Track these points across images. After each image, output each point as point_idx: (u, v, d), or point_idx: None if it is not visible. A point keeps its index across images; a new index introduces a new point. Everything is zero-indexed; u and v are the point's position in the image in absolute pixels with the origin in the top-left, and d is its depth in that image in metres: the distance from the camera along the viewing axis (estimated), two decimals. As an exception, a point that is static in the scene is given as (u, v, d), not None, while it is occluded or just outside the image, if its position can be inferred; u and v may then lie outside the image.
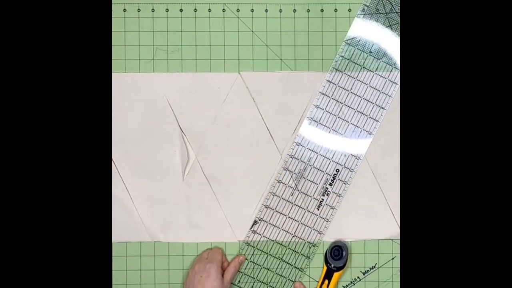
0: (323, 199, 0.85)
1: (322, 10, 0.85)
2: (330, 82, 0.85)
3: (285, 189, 0.85)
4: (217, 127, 0.85)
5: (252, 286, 0.85)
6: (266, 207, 0.85)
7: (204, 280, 0.78)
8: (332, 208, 0.85)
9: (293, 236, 0.85)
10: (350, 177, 0.85)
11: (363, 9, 0.85)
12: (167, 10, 0.85)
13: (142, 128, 0.85)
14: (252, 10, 0.85)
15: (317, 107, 0.85)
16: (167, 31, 0.85)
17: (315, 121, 0.85)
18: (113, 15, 0.84)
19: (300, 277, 0.85)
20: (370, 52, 0.85)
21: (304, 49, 0.85)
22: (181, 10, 0.85)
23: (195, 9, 0.85)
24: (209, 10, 0.85)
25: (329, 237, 0.85)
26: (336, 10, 0.85)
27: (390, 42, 0.85)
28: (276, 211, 0.85)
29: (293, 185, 0.85)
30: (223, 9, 0.85)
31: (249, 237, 0.85)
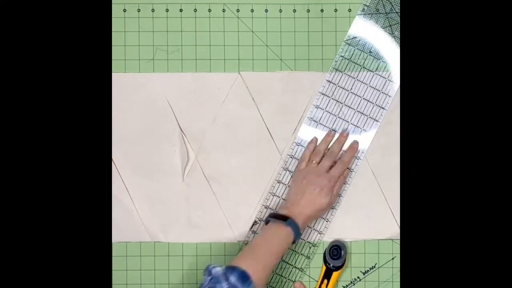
0: (323, 199, 0.84)
1: (322, 10, 0.85)
2: (330, 82, 0.85)
3: (285, 189, 0.85)
4: (217, 127, 0.85)
5: (252, 286, 0.85)
6: (266, 208, 0.85)
7: None
8: (332, 208, 0.85)
9: (294, 244, 0.84)
10: (350, 177, 0.85)
11: (363, 9, 0.85)
12: (167, 10, 0.85)
13: (142, 128, 0.85)
14: (252, 10, 0.85)
15: (317, 107, 0.85)
16: (167, 31, 0.85)
17: (315, 121, 0.85)
18: (113, 15, 0.84)
19: (300, 277, 0.85)
20: (370, 52, 0.85)
21: (304, 49, 0.85)
22: (181, 10, 0.85)
23: (195, 9, 0.85)
24: (209, 10, 0.85)
25: (329, 237, 0.85)
26: (336, 10, 0.85)
27: (390, 42, 0.85)
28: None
29: (293, 185, 0.85)
30: (223, 9, 0.85)
31: (249, 237, 0.85)
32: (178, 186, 0.85)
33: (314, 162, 0.82)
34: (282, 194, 0.85)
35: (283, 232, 0.77)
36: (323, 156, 0.83)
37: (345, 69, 0.85)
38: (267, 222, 0.79)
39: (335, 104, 0.85)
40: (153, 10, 0.85)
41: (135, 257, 0.85)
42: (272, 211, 0.84)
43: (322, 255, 0.84)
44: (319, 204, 0.79)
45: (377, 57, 0.85)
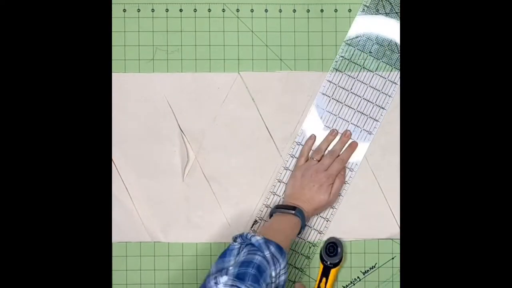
0: (323, 199, 0.84)
1: (322, 10, 0.85)
2: (330, 82, 0.85)
3: (285, 189, 0.85)
4: (217, 127, 0.85)
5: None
6: (266, 207, 0.85)
7: None
8: (332, 208, 0.85)
9: (299, 237, 0.85)
10: (350, 176, 0.85)
11: (363, 9, 0.85)
12: (167, 10, 0.85)
13: (142, 128, 0.85)
14: (252, 10, 0.85)
15: (317, 107, 0.85)
16: (167, 31, 0.85)
17: (315, 121, 0.85)
18: (113, 15, 0.84)
19: (300, 277, 0.85)
20: (370, 52, 0.85)
21: (304, 49, 0.85)
22: (181, 10, 0.85)
23: (195, 9, 0.85)
24: (209, 10, 0.85)
25: (329, 237, 0.85)
26: (336, 10, 0.85)
27: (390, 42, 0.85)
28: (276, 211, 0.85)
29: (293, 185, 0.84)
30: (223, 9, 0.85)
31: (249, 237, 0.85)
32: (178, 186, 0.85)
33: (314, 159, 0.82)
34: (283, 193, 0.85)
35: (293, 221, 0.78)
36: (323, 155, 0.83)
37: (345, 69, 0.85)
38: (271, 214, 0.80)
39: (335, 104, 0.85)
40: (153, 10, 0.85)
41: (135, 257, 0.85)
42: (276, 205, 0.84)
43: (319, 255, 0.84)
44: (318, 201, 0.80)
45: (377, 57, 0.85)
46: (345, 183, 0.84)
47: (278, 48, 0.85)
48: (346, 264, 0.85)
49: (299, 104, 0.85)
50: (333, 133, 0.84)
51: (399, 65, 0.84)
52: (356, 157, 0.85)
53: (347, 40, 0.85)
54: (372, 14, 0.85)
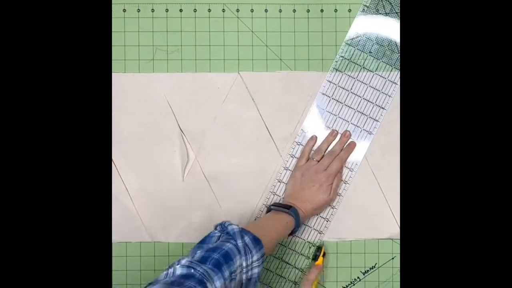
0: (323, 199, 0.84)
1: (322, 10, 0.85)
2: (330, 82, 0.85)
3: (285, 188, 0.85)
4: (217, 127, 0.85)
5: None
6: (266, 207, 0.85)
7: None
8: (332, 208, 0.85)
9: (293, 236, 0.85)
10: (350, 176, 0.85)
11: (363, 9, 0.85)
12: (166, 10, 0.85)
13: (142, 128, 0.85)
14: (251, 10, 0.85)
15: (317, 107, 0.85)
16: (167, 31, 0.85)
17: (315, 121, 0.85)
18: (113, 15, 0.84)
19: (300, 277, 0.85)
20: (370, 52, 0.85)
21: (304, 49, 0.85)
22: (180, 10, 0.85)
23: (195, 9, 0.85)
24: (209, 10, 0.85)
25: (329, 237, 0.85)
26: (336, 10, 0.85)
27: (390, 42, 0.85)
28: (276, 211, 0.85)
29: (293, 185, 0.85)
30: (223, 9, 0.85)
31: (249, 237, 0.85)
32: (178, 186, 0.85)
33: (314, 160, 0.82)
34: (283, 193, 0.85)
35: (285, 219, 0.78)
36: (323, 156, 0.83)
37: (345, 69, 0.85)
38: (268, 210, 0.80)
39: (335, 104, 0.85)
40: (153, 10, 0.85)
41: (135, 257, 0.85)
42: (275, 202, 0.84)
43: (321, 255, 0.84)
44: (317, 200, 0.80)
45: (377, 57, 0.85)
46: (345, 183, 0.84)
47: (278, 48, 0.85)
48: (346, 264, 0.85)
49: (299, 104, 0.85)
50: (333, 133, 0.84)
51: (399, 65, 0.84)
52: (356, 157, 0.85)
53: (347, 40, 0.85)
54: (372, 14, 0.85)
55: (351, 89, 0.85)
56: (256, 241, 0.70)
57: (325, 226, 0.85)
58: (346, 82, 0.85)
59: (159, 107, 0.85)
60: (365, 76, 0.85)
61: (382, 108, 0.85)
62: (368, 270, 0.85)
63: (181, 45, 0.85)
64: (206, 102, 0.85)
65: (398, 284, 0.85)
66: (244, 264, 0.68)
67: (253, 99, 0.85)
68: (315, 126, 0.85)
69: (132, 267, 0.85)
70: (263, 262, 0.71)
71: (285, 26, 0.85)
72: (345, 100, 0.85)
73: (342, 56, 0.85)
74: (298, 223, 0.79)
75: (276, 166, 0.85)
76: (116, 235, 0.84)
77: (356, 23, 0.85)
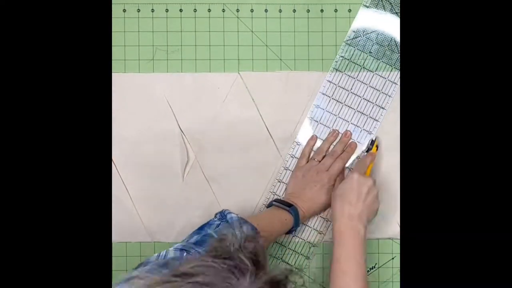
0: (323, 199, 0.84)
1: (322, 10, 0.85)
2: (330, 82, 0.85)
3: (286, 188, 0.85)
4: (217, 127, 0.85)
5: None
6: (266, 207, 0.85)
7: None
8: (332, 208, 0.85)
9: (293, 236, 0.85)
10: (350, 176, 0.85)
11: (363, 9, 0.85)
12: (166, 11, 0.85)
13: (142, 128, 0.85)
14: (251, 10, 0.85)
15: (317, 107, 0.85)
16: (167, 31, 0.85)
17: (315, 121, 0.85)
18: (113, 16, 0.84)
19: (299, 277, 0.85)
20: (370, 52, 0.85)
21: (304, 49, 0.85)
22: (180, 10, 0.85)
23: (195, 9, 0.85)
24: (209, 10, 0.85)
25: (329, 237, 0.85)
26: (336, 10, 0.85)
27: (390, 42, 0.85)
28: (276, 211, 0.85)
29: (293, 185, 0.84)
30: (223, 9, 0.85)
31: (249, 237, 0.85)
32: (178, 186, 0.85)
33: (315, 160, 0.82)
34: (283, 194, 0.85)
35: (284, 216, 0.78)
36: (324, 156, 0.83)
37: (345, 69, 0.85)
38: (269, 205, 0.80)
39: (335, 104, 0.85)
40: (152, 10, 0.85)
41: (135, 257, 0.85)
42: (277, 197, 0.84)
43: (321, 255, 0.85)
44: (318, 201, 0.80)
45: (377, 57, 0.85)
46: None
47: (278, 48, 0.85)
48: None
49: (299, 104, 0.85)
50: (334, 133, 0.84)
51: (399, 65, 0.84)
52: (356, 157, 0.85)
53: (347, 40, 0.85)
54: (372, 13, 0.85)
55: (351, 89, 0.85)
56: (254, 232, 0.70)
57: (325, 226, 0.85)
58: (346, 82, 0.85)
59: (159, 107, 0.85)
60: (365, 76, 0.85)
61: (382, 108, 0.85)
62: (368, 271, 0.85)
63: (181, 45, 0.85)
64: (206, 102, 0.85)
65: (398, 284, 0.84)
66: None
67: (253, 99, 0.85)
68: (315, 126, 0.85)
69: (132, 267, 0.85)
70: None
71: (285, 26, 0.85)
72: (345, 100, 0.85)
73: (342, 56, 0.85)
74: (297, 222, 0.79)
75: (276, 166, 0.85)
76: (116, 235, 0.84)
77: (356, 23, 0.85)
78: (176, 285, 0.50)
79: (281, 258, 0.85)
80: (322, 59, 0.85)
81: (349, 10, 0.85)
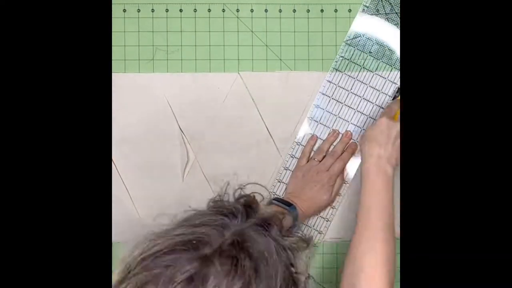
0: (323, 199, 0.84)
1: (322, 10, 0.85)
2: (330, 82, 0.85)
3: (285, 188, 0.85)
4: (216, 127, 0.85)
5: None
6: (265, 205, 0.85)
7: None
8: (332, 208, 0.85)
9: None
10: (350, 177, 0.85)
11: (363, 9, 0.85)
12: (167, 11, 0.85)
13: (142, 128, 0.85)
14: (251, 10, 0.85)
15: (317, 107, 0.85)
16: (167, 31, 0.85)
17: (315, 121, 0.85)
18: (113, 16, 0.84)
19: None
20: (370, 52, 0.85)
21: (304, 49, 0.85)
22: (180, 11, 0.85)
23: (195, 9, 0.85)
24: (209, 10, 0.85)
25: (329, 237, 0.85)
26: (336, 10, 0.85)
27: (390, 42, 0.85)
28: (276, 211, 0.85)
29: (293, 185, 0.84)
30: (223, 9, 0.85)
31: (249, 237, 0.85)
32: (178, 186, 0.85)
33: (316, 160, 0.82)
34: (283, 193, 0.85)
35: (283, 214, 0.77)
36: (324, 156, 0.83)
37: (345, 69, 0.85)
38: (268, 204, 0.80)
39: (335, 104, 0.85)
40: (153, 10, 0.85)
41: (135, 257, 0.85)
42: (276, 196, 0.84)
43: (321, 256, 0.84)
44: (319, 201, 0.80)
45: (377, 57, 0.85)
46: (345, 183, 0.84)
47: (278, 48, 0.85)
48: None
49: (299, 104, 0.85)
50: (334, 133, 0.84)
51: (399, 65, 0.84)
52: (356, 157, 0.85)
53: (347, 40, 0.85)
54: (372, 14, 0.85)
55: (351, 89, 0.85)
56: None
57: (325, 226, 0.85)
58: (346, 82, 0.85)
59: (159, 107, 0.85)
60: (365, 76, 0.85)
61: (382, 108, 0.85)
62: (368, 270, 0.85)
63: (181, 45, 0.85)
64: (206, 102, 0.85)
65: (398, 284, 0.84)
66: None
67: (253, 99, 0.85)
68: (315, 126, 0.85)
69: (132, 267, 0.85)
70: None
71: (285, 26, 0.85)
72: (345, 100, 0.85)
73: (342, 56, 0.85)
74: (295, 223, 0.79)
75: (276, 166, 0.85)
76: (116, 235, 0.84)
77: (356, 23, 0.85)
78: (171, 230, 0.59)
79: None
80: (322, 59, 0.85)
81: (349, 10, 0.85)
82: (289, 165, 0.85)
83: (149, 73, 0.85)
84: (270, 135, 0.85)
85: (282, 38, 0.85)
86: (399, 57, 0.84)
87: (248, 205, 0.60)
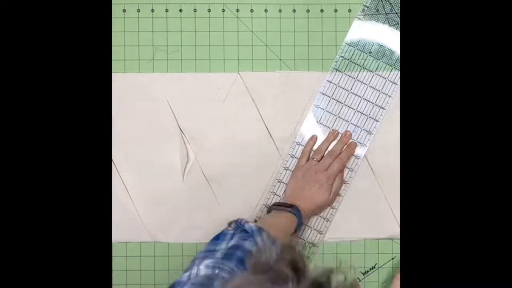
0: (323, 199, 0.84)
1: (322, 11, 0.85)
2: (330, 82, 0.85)
3: (285, 188, 0.85)
4: (217, 127, 0.85)
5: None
6: (266, 207, 0.85)
7: None
8: (332, 208, 0.85)
9: (295, 236, 0.84)
10: (350, 176, 0.85)
11: (363, 9, 0.85)
12: (166, 11, 0.85)
13: (142, 129, 0.85)
14: (251, 10, 0.85)
15: (317, 107, 0.85)
16: (167, 32, 0.85)
17: (315, 121, 0.85)
18: (113, 16, 0.84)
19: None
20: (370, 52, 0.85)
21: (304, 49, 0.85)
22: (180, 11, 0.85)
23: (195, 9, 0.85)
24: (209, 11, 0.85)
25: (329, 237, 0.85)
26: (336, 10, 0.85)
27: (390, 42, 0.85)
28: (276, 211, 0.85)
29: (293, 185, 0.85)
30: (223, 9, 0.85)
31: (249, 237, 0.85)
32: (178, 186, 0.85)
33: (315, 159, 0.82)
34: (283, 194, 0.85)
35: (289, 218, 0.78)
36: (323, 155, 0.83)
37: (345, 69, 0.85)
38: (269, 211, 0.80)
39: (335, 104, 0.85)
40: (152, 11, 0.85)
41: (135, 257, 0.85)
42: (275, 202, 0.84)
43: (321, 256, 0.84)
44: (318, 201, 0.80)
45: (377, 57, 0.85)
46: (345, 183, 0.84)
47: (278, 48, 0.85)
48: (346, 265, 0.85)
49: (299, 104, 0.85)
50: (333, 133, 0.84)
51: (399, 65, 0.84)
52: (356, 157, 0.85)
53: (347, 40, 0.85)
54: (372, 14, 0.85)
55: (351, 89, 0.85)
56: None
57: (325, 226, 0.85)
58: (346, 82, 0.85)
59: (159, 107, 0.85)
60: (365, 76, 0.85)
61: (382, 108, 0.85)
62: (368, 271, 0.85)
63: (181, 45, 0.85)
64: (206, 102, 0.85)
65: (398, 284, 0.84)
66: None
67: (253, 99, 0.85)
68: (315, 126, 0.85)
69: (132, 267, 0.85)
70: None
71: (285, 26, 0.85)
72: (345, 100, 0.85)
73: (342, 56, 0.85)
74: (301, 221, 0.79)
75: (276, 166, 0.85)
76: (116, 235, 0.84)
77: (356, 24, 0.85)
78: None
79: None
80: (322, 59, 0.85)
81: (349, 10, 0.85)
82: (289, 165, 0.85)
83: (149, 73, 0.85)
84: (270, 135, 0.85)
85: (282, 38, 0.85)
86: (399, 57, 0.84)
87: (296, 266, 0.53)
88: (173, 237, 0.85)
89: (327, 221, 0.85)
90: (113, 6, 0.84)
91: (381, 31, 0.85)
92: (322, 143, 0.84)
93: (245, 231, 0.69)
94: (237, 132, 0.85)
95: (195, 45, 0.85)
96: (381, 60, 0.85)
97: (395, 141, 0.84)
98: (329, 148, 0.84)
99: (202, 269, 0.62)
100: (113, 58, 0.84)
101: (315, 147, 0.85)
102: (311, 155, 0.84)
